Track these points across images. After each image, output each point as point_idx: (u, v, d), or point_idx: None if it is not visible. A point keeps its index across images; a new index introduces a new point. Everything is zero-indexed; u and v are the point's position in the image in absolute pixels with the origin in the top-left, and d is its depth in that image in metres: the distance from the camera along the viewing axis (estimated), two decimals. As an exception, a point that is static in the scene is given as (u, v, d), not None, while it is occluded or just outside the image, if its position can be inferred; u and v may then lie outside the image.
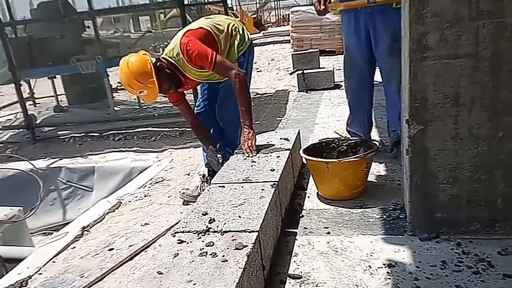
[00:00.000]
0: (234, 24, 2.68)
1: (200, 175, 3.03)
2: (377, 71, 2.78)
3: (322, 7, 2.56)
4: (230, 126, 2.79)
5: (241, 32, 2.69)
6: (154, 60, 2.47)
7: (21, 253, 3.00)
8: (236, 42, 2.64)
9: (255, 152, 2.37)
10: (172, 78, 2.50)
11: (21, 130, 6.02)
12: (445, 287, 1.50)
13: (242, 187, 1.98)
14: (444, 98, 1.65)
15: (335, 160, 2.25)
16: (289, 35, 9.92)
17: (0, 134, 6.16)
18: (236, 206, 1.79)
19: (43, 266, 2.40)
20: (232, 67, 2.45)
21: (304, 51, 6.56)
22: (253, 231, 1.58)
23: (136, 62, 2.36)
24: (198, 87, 3.02)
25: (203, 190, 2.54)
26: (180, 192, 2.98)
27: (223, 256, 1.44)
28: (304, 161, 2.42)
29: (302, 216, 2.15)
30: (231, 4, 20.10)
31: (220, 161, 2.71)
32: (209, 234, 1.60)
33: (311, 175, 2.42)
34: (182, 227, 1.68)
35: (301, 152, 2.38)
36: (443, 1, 1.57)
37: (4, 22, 6.23)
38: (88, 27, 7.53)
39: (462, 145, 1.69)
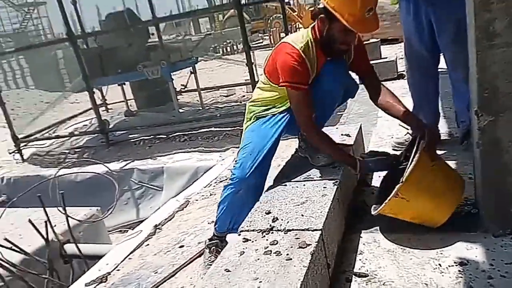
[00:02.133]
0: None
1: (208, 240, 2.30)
2: (442, 60, 2.66)
3: None
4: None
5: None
6: None
7: (100, 250, 3.24)
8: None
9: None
10: None
11: (96, 134, 6.48)
12: (523, 287, 1.41)
13: (304, 185, 1.99)
14: (516, 86, 1.55)
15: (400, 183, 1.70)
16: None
17: (78, 140, 6.66)
18: (299, 205, 1.81)
19: (121, 262, 2.57)
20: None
21: (365, 41, 6.40)
22: (316, 230, 1.59)
23: None
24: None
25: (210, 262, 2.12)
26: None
27: (287, 254, 1.46)
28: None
29: (367, 213, 2.11)
30: (288, -1, 20.05)
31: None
32: (272, 232, 1.64)
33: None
34: (247, 226, 1.72)
35: (373, 211, 1.87)
36: (511, -16, 1.47)
37: (76, 35, 6.71)
38: (153, 34, 7.91)
39: (538, 135, 1.57)
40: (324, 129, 2.44)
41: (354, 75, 2.23)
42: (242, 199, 2.05)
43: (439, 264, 1.61)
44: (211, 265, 2.08)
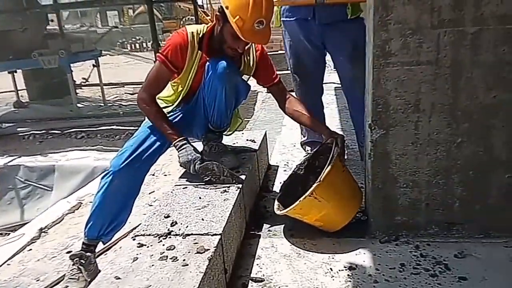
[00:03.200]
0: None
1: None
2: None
3: None
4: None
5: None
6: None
7: (-27, 255, 2.86)
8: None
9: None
10: None
11: (-23, 126, 5.78)
12: (403, 289, 1.53)
13: (206, 188, 1.96)
14: (406, 104, 1.68)
15: (317, 182, 1.73)
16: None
17: (-45, 130, 5.87)
18: (200, 209, 1.77)
19: (-3, 269, 2.30)
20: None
21: (275, 52, 6.58)
22: (215, 234, 1.56)
23: None
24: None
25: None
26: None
27: (184, 260, 1.41)
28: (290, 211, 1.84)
29: (267, 218, 2.15)
30: (202, 2, 19.87)
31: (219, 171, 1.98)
32: (170, 237, 1.57)
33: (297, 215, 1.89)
34: (143, 230, 1.64)
35: (277, 211, 1.94)
36: (406, 9, 1.60)
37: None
38: (52, 20, 7.30)
39: (421, 150, 1.73)
40: (232, 135, 2.43)
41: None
42: (116, 196, 1.94)
43: (331, 269, 1.68)
44: (73, 278, 1.91)
